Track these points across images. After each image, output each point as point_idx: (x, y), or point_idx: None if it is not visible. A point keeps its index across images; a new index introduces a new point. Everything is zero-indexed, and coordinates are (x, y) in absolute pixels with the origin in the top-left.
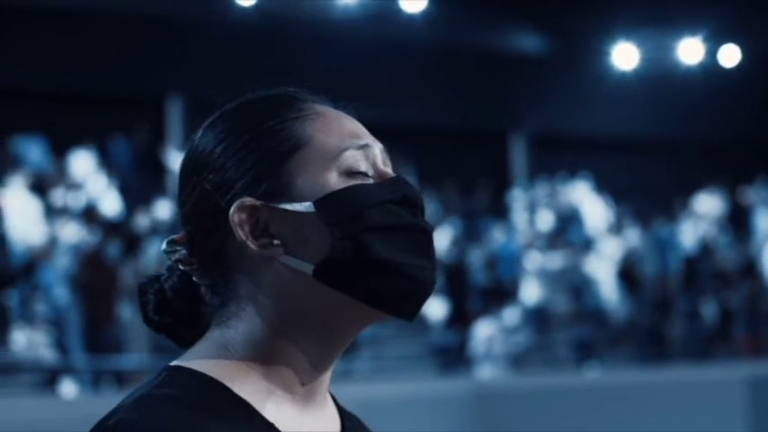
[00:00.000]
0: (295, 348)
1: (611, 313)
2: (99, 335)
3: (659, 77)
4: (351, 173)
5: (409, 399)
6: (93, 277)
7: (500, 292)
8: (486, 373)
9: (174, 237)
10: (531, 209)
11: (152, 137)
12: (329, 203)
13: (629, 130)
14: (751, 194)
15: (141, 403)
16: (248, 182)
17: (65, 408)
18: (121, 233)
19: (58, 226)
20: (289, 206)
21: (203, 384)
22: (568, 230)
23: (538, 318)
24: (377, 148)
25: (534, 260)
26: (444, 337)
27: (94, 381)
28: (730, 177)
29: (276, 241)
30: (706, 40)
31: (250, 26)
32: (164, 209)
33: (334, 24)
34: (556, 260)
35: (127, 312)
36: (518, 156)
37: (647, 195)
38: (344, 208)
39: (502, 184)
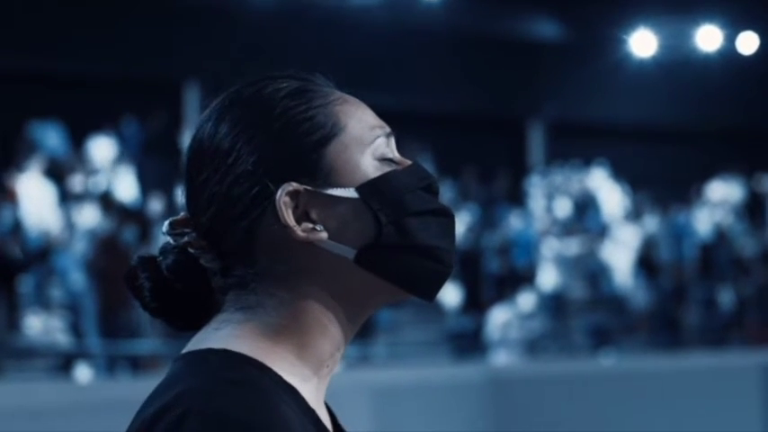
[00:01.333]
0: (327, 331)
1: (628, 300)
2: (114, 320)
3: (677, 65)
4: (383, 159)
5: (425, 384)
6: (109, 262)
7: (516, 279)
8: (501, 359)
9: (175, 218)
10: (549, 196)
11: (169, 122)
12: (372, 189)
13: (647, 117)
14: (766, 182)
15: (216, 389)
16: (285, 167)
17: (80, 392)
18: (137, 219)
19: (74, 212)
20: (333, 191)
21: (257, 370)
22: (585, 217)
23: (554, 304)
24: (392, 135)
25: (551, 247)
26: (460, 323)
27: (109, 365)
28: (747, 165)
29: (319, 226)
30: (724, 27)
31: (268, 11)
32: (179, 195)
33: (353, 10)
34: (572, 247)
35: None
36: (536, 143)
37: (664, 182)
38: (386, 194)
39: (519, 172)
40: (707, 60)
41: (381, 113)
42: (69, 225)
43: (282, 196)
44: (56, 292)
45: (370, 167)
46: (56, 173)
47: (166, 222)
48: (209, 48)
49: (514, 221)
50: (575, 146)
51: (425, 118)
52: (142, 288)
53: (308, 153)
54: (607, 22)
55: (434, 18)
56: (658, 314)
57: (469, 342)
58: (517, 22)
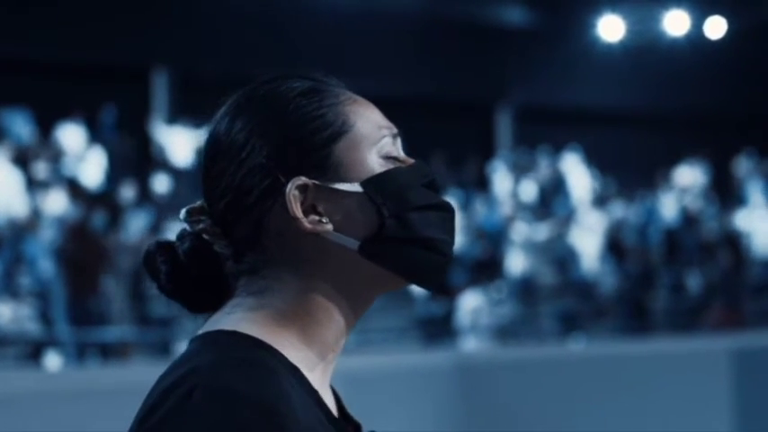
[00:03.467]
0: (331, 317)
1: (596, 285)
2: (83, 307)
3: (645, 49)
4: (388, 157)
5: (394, 370)
6: (78, 249)
7: (485, 265)
8: (471, 344)
9: (192, 206)
10: (515, 181)
11: (138, 109)
12: (376, 184)
13: (615, 102)
14: (738, 166)
15: (225, 366)
16: (296, 163)
17: (49, 380)
18: (106, 205)
19: (41, 198)
20: (339, 185)
21: (265, 351)
22: (553, 202)
23: (523, 290)
24: (398, 136)
25: (519, 232)
26: (429, 309)
27: (79, 353)
28: (715, 149)
29: (325, 219)
30: (692, 11)
31: None
32: (151, 181)
33: None
34: (541, 232)
35: (112, 284)
36: (504, 128)
37: (632, 167)
38: (389, 189)
39: (488, 157)
40: (675, 45)
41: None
42: (37, 212)
43: (292, 189)
44: (25, 280)
45: (375, 164)
46: (23, 160)
47: (184, 210)
48: (177, 36)
49: (480, 207)
50: (543, 131)
51: (393, 103)
52: (159, 271)
53: (318, 149)
54: (575, 8)
55: (403, 3)
56: (626, 299)
57: (439, 328)
58: (485, 8)
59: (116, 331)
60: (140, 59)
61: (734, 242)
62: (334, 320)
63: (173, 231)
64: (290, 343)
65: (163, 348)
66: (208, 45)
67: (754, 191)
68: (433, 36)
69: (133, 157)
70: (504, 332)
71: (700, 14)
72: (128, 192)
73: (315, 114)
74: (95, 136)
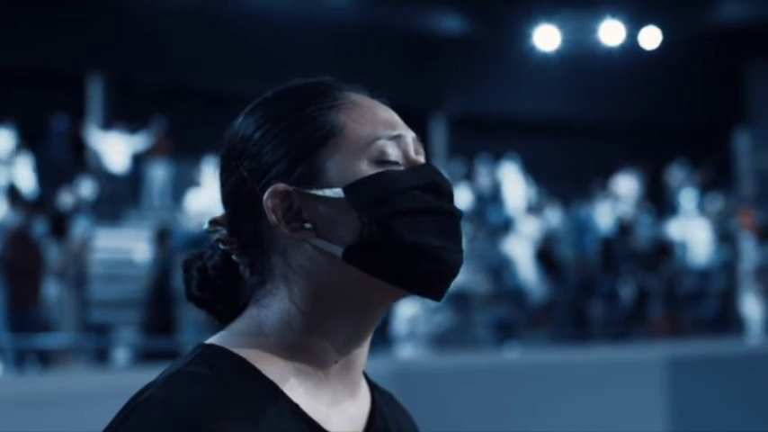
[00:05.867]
0: (326, 327)
1: (530, 294)
2: (24, 314)
3: (581, 59)
4: (381, 161)
5: None
6: (18, 256)
7: None
8: (407, 352)
9: (215, 217)
10: None
11: (73, 115)
12: (358, 189)
13: (551, 111)
14: (671, 176)
15: (172, 380)
16: (282, 168)
17: None
18: (47, 212)
19: None
20: (319, 192)
21: (232, 364)
22: (487, 211)
23: (458, 298)
24: (409, 138)
25: None
26: None
27: (18, 360)
28: (650, 159)
29: (308, 225)
30: (627, 22)
31: (175, 4)
32: (86, 187)
33: (259, 3)
34: (475, 240)
35: (53, 291)
36: (438, 136)
37: (567, 176)
38: (372, 194)
39: None
40: (610, 55)
41: None
42: None
43: (268, 197)
44: None
45: (363, 169)
46: None
47: (208, 220)
48: (112, 41)
49: None
50: (478, 140)
51: None
52: (192, 278)
53: (303, 154)
54: (511, 17)
55: (340, 11)
56: (563, 307)
57: (376, 335)
58: (422, 17)
59: (56, 338)
60: (76, 65)
61: (668, 251)
62: (329, 332)
63: (108, 238)
64: (276, 356)
65: (101, 356)
66: (143, 52)
67: (686, 200)
68: (369, 44)
69: (68, 163)
70: (440, 340)
71: (635, 25)
72: (65, 198)
73: (308, 118)
74: (29, 142)
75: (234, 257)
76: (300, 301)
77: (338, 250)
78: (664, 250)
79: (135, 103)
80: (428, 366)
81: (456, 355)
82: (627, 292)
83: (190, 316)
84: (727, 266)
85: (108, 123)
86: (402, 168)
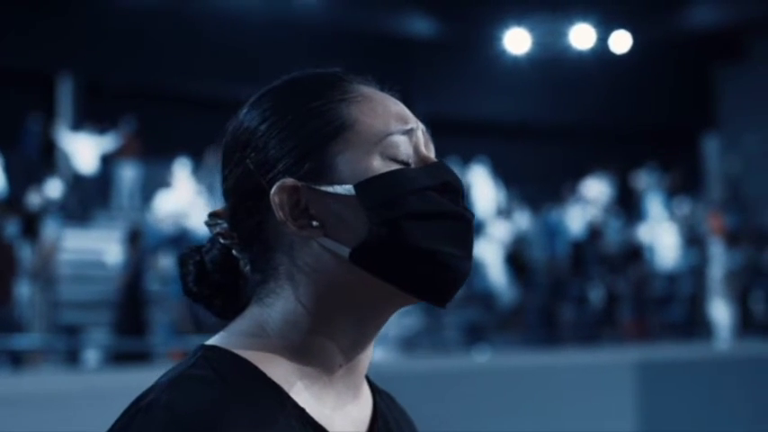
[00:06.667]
0: (331, 329)
1: (500, 297)
2: None
3: (551, 63)
4: (393, 158)
5: None
6: None
7: None
8: (376, 355)
9: (216, 210)
10: None
11: (43, 115)
12: (370, 187)
13: (521, 114)
14: (640, 180)
15: (175, 383)
16: (290, 162)
17: None
18: (19, 212)
19: None
20: (329, 188)
21: (236, 366)
22: None
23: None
24: (420, 132)
25: None
26: None
27: None
28: (620, 162)
29: (315, 222)
30: (597, 25)
31: (146, 5)
32: (54, 188)
33: (229, 5)
34: None
35: (25, 292)
36: None
37: (537, 179)
38: (384, 193)
39: None
40: (580, 58)
41: None
42: None
43: (276, 192)
44: None
45: (375, 165)
46: None
47: (208, 213)
48: (83, 42)
49: None
50: (448, 142)
51: None
52: (188, 274)
53: (313, 149)
54: (482, 20)
55: (311, 13)
56: (532, 311)
57: None
58: (393, 19)
59: (28, 339)
60: (46, 65)
61: (638, 255)
62: (335, 334)
63: (78, 239)
64: (280, 357)
65: (72, 357)
66: (114, 52)
67: (654, 204)
68: (339, 46)
69: (38, 163)
70: (410, 343)
71: (605, 29)
72: (34, 198)
73: (317, 112)
74: (5, 142)
75: (234, 253)
76: (306, 302)
77: (345, 250)
78: (634, 254)
79: (105, 104)
80: (398, 369)
81: (426, 359)
82: (596, 295)
83: (161, 317)
84: (695, 271)
85: (78, 124)
86: (413, 164)
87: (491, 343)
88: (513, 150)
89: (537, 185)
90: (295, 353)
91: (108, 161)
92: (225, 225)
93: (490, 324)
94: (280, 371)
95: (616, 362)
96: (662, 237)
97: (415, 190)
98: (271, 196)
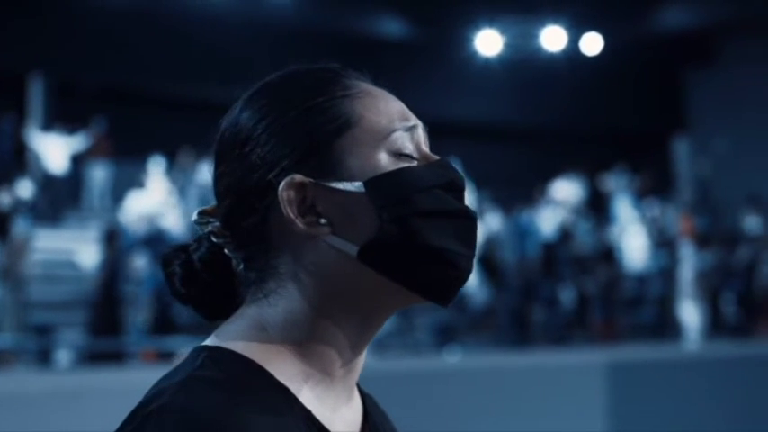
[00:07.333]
0: (335, 329)
1: (472, 298)
2: None
3: (522, 64)
4: (399, 154)
5: None
6: None
7: None
8: None
9: (205, 208)
10: None
11: (16, 116)
12: (380, 184)
13: (492, 116)
14: (609, 182)
15: (186, 386)
16: (296, 159)
17: None
18: None
19: None
20: (339, 185)
21: (244, 368)
22: None
23: None
24: (420, 129)
25: None
26: None
27: None
28: (590, 164)
29: (323, 220)
30: (568, 28)
31: (118, 5)
32: (25, 188)
33: (201, 5)
34: None
35: None
36: None
37: (507, 182)
38: (395, 190)
39: None
40: (551, 60)
41: (227, 110)
42: None
43: (284, 189)
44: None
45: (383, 162)
46: None
47: (196, 211)
48: (53, 41)
49: None
50: None
51: None
52: (174, 274)
53: (319, 145)
54: (453, 22)
55: (283, 14)
56: (503, 312)
57: None
58: (363, 20)
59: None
60: (17, 65)
61: (609, 256)
62: (339, 333)
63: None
64: (283, 358)
65: (43, 357)
66: (85, 52)
67: (623, 206)
68: (310, 47)
69: (10, 164)
70: (381, 344)
71: (576, 31)
72: (4, 198)
73: (321, 108)
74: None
75: (227, 252)
76: (310, 301)
77: (353, 249)
78: (606, 256)
79: (77, 104)
80: (369, 370)
81: (397, 360)
82: (567, 296)
83: (134, 318)
84: (665, 272)
85: (49, 124)
86: (416, 161)
87: (462, 344)
88: (484, 152)
89: (508, 187)
90: (299, 354)
91: (78, 161)
92: (217, 223)
93: (461, 325)
94: (285, 372)
95: (586, 363)
96: (631, 239)
97: (424, 188)
98: (279, 193)
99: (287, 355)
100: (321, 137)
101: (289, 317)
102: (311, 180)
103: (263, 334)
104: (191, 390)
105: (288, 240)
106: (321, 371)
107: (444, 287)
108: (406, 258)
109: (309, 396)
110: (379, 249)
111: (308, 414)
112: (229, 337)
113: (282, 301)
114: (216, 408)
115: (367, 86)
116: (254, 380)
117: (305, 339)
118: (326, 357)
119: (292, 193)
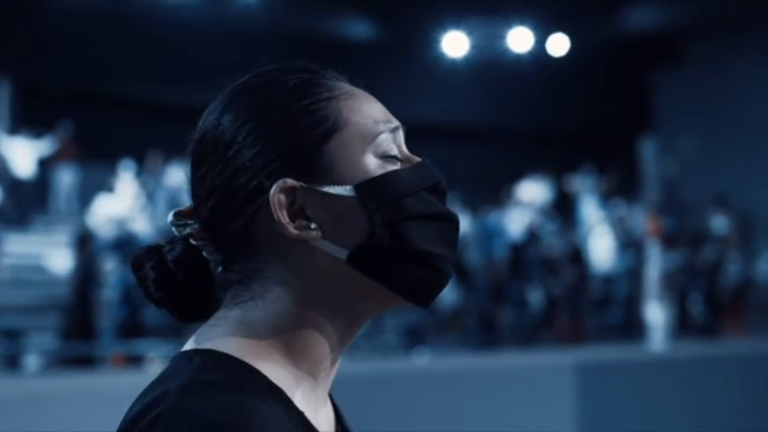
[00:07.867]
0: (321, 331)
1: (440, 299)
2: None
3: (489, 66)
4: (385, 156)
5: None
6: None
7: None
8: None
9: (180, 209)
10: None
11: None
12: (370, 188)
13: (459, 117)
14: (576, 182)
15: (191, 390)
16: (285, 162)
17: None
18: None
19: None
20: (329, 189)
21: (242, 370)
22: None
23: None
24: (401, 130)
25: None
26: None
27: None
28: (557, 165)
29: (313, 225)
30: (535, 29)
31: (84, 7)
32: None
33: (169, 8)
34: None
35: None
36: None
37: (475, 183)
38: (386, 194)
39: None
40: (518, 61)
41: (198, 112)
42: None
43: (276, 192)
44: None
45: (371, 165)
46: None
47: (172, 212)
48: (20, 45)
49: None
50: None
51: None
52: (147, 277)
53: (307, 148)
54: (419, 23)
55: (250, 16)
56: (472, 313)
57: None
58: (329, 21)
59: None
60: None
61: (578, 257)
62: (324, 335)
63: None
64: (273, 360)
65: (12, 362)
66: (52, 54)
67: (589, 207)
68: (278, 48)
69: None
70: (349, 346)
71: (543, 32)
72: None
73: (306, 111)
74: None
75: (205, 254)
76: (298, 304)
77: (343, 253)
78: (574, 257)
79: (44, 108)
80: (337, 373)
81: (365, 362)
82: (536, 298)
83: (104, 322)
84: (632, 273)
85: (15, 128)
86: (400, 162)
87: (431, 346)
88: (451, 153)
89: (475, 188)
90: (287, 355)
91: (45, 165)
92: (196, 225)
93: (430, 327)
94: (276, 374)
95: (554, 364)
96: (598, 239)
97: (412, 191)
98: (270, 197)
99: (276, 358)
100: (309, 141)
101: (276, 319)
102: (302, 184)
103: (251, 337)
104: (198, 393)
105: (275, 243)
106: (307, 372)
107: (428, 290)
108: (395, 262)
109: (299, 398)
110: (369, 253)
111: (301, 415)
112: (215, 339)
113: (269, 304)
114: (225, 410)
115: (348, 87)
116: (253, 382)
117: (293, 341)
118: (312, 359)
119: (283, 197)
